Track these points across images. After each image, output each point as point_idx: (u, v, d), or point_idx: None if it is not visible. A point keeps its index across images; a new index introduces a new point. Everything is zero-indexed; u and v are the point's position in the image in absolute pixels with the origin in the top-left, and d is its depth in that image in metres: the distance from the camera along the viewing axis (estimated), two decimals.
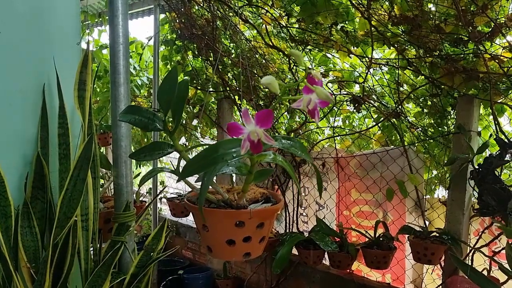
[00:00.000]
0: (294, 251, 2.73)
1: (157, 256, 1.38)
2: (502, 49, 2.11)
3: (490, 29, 2.00)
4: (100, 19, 3.73)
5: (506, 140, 2.13)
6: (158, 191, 4.03)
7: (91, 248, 1.41)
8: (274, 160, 0.97)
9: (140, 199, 2.87)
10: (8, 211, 1.24)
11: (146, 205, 1.93)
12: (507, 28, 1.96)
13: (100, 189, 1.56)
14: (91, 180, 1.33)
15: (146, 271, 1.35)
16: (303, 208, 3.39)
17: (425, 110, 2.73)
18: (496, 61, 2.08)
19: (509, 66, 2.07)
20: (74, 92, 1.31)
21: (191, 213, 3.30)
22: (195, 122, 3.91)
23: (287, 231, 3.27)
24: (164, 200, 4.13)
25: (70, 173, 1.22)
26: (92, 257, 1.41)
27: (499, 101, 2.32)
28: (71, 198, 1.22)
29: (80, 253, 1.32)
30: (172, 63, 3.77)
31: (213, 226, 1.04)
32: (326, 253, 2.64)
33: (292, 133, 3.20)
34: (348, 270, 2.79)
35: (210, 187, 1.03)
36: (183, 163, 0.98)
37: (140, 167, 4.88)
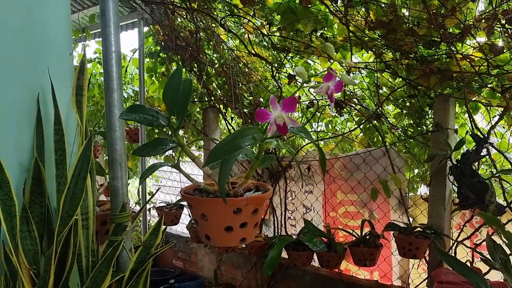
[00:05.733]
0: (284, 254, 2.76)
1: (155, 251, 1.43)
2: (473, 49, 2.23)
3: (460, 31, 2.12)
4: (84, 34, 3.78)
5: (481, 136, 2.24)
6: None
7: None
8: (278, 146, 1.06)
9: (132, 208, 2.91)
10: (13, 211, 1.28)
11: (139, 210, 1.97)
12: (476, 29, 2.07)
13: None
14: (89, 180, 1.38)
15: (145, 266, 1.40)
16: (290, 211, 3.46)
17: (404, 111, 2.83)
18: (468, 60, 2.20)
19: (480, 65, 2.19)
20: (72, 97, 1.37)
21: (181, 215, 3.35)
22: (181, 132, 3.97)
23: (276, 234, 3.32)
24: (153, 212, 4.15)
25: (71, 171, 1.28)
26: (90, 257, 1.46)
27: (473, 99, 2.43)
28: (73, 196, 1.28)
29: (81, 251, 1.37)
30: (157, 75, 3.84)
31: (212, 214, 1.12)
32: (315, 254, 2.70)
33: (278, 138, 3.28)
34: (337, 270, 2.85)
35: (205, 178, 1.10)
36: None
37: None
